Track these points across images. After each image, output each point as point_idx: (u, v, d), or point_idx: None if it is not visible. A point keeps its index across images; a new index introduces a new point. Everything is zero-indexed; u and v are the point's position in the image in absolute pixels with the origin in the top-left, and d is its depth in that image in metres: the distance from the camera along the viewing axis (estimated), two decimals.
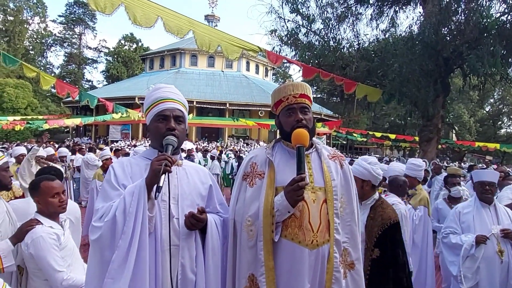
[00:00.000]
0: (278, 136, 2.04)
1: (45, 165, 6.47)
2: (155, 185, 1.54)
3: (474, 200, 3.29)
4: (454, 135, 36.56)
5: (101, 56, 58.90)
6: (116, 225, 1.54)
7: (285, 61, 11.22)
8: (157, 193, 1.53)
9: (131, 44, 57.54)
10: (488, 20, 9.63)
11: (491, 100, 40.30)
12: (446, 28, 10.98)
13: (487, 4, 9.92)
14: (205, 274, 1.73)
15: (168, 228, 1.64)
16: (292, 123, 1.82)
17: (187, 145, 19.46)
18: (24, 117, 30.01)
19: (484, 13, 9.69)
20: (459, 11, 10.60)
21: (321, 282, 1.72)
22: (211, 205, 1.91)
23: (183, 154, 12.65)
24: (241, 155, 15.44)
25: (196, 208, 1.76)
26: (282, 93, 1.88)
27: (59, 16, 55.62)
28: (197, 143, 27.31)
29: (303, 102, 1.85)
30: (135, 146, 17.87)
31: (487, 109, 41.26)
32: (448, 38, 11.05)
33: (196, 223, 1.70)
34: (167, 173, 1.58)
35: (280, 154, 1.89)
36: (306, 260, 1.68)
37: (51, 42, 55.15)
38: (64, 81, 47.98)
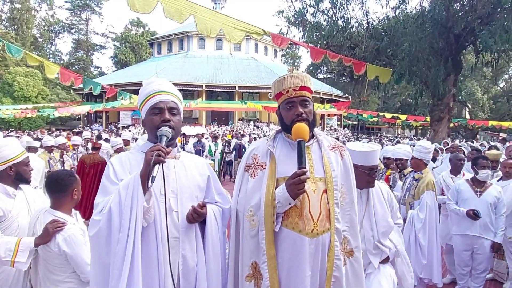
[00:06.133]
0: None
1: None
2: (150, 176, 1.56)
3: None
4: (467, 113, 35.90)
5: (109, 42, 58.99)
6: (111, 217, 1.59)
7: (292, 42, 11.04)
8: (150, 183, 1.54)
9: (138, 28, 57.30)
10: None
11: (506, 76, 39.30)
12: (457, 4, 10.67)
13: None
14: (206, 263, 1.80)
15: (166, 221, 1.67)
16: (292, 117, 1.82)
17: (197, 129, 19.52)
18: (35, 105, 30.42)
19: None
20: None
21: (322, 269, 1.77)
22: (210, 195, 1.95)
23: (194, 140, 12.52)
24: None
25: (195, 200, 1.81)
26: (282, 86, 1.87)
27: (66, 2, 55.45)
28: (207, 127, 27.39)
29: (303, 95, 1.84)
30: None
31: (501, 86, 40.29)
32: (460, 14, 10.75)
33: (197, 217, 1.75)
34: (161, 164, 1.59)
35: (281, 145, 1.91)
36: (306, 248, 1.72)
37: (59, 29, 55.19)
38: (73, 68, 48.20)
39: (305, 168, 1.68)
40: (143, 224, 1.62)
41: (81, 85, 11.69)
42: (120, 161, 1.80)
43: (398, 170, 4.98)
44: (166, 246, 1.67)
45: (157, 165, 1.57)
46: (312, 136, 1.92)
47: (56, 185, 2.28)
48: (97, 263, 1.64)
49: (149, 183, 1.54)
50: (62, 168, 6.90)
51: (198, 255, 1.79)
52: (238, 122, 32.98)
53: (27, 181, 2.41)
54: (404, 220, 3.87)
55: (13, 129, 27.46)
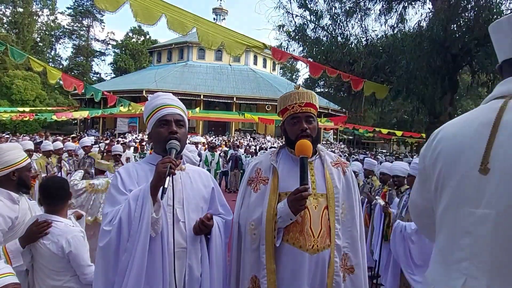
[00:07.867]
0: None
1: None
2: (161, 187, 1.58)
3: None
4: None
5: (109, 49, 59.15)
6: (121, 228, 1.62)
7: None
8: (163, 194, 1.57)
9: (138, 36, 57.59)
10: (498, 16, 9.51)
11: None
12: (455, 25, 10.88)
13: (497, 0, 9.81)
14: (210, 273, 1.82)
15: (173, 231, 1.70)
16: (297, 132, 1.86)
17: (196, 138, 19.58)
18: (32, 108, 30.35)
19: (494, 9, 9.59)
20: (469, 8, 10.50)
21: (322, 285, 1.77)
22: (213, 207, 1.98)
23: (192, 147, 12.56)
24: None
25: (200, 211, 1.84)
26: (288, 101, 1.91)
27: (68, 8, 55.85)
28: (205, 136, 27.41)
29: (308, 111, 1.88)
30: (142, 140, 17.95)
31: None
32: (457, 35, 10.94)
33: (204, 229, 1.78)
34: (171, 175, 1.63)
35: (284, 160, 1.94)
36: (306, 264, 1.74)
37: (60, 34, 55.39)
38: (72, 73, 48.25)
39: (307, 185, 1.70)
40: (152, 234, 1.64)
41: (82, 91, 11.76)
42: (127, 172, 1.82)
43: (396, 187, 5.01)
44: (172, 256, 1.69)
45: (168, 177, 1.60)
46: (315, 152, 1.94)
47: (59, 192, 2.35)
48: (105, 272, 1.64)
49: (162, 194, 1.57)
50: (59, 173, 6.89)
51: (203, 265, 1.81)
52: (234, 133, 33.00)
53: (28, 187, 2.43)
54: None
55: (8, 132, 27.29)
